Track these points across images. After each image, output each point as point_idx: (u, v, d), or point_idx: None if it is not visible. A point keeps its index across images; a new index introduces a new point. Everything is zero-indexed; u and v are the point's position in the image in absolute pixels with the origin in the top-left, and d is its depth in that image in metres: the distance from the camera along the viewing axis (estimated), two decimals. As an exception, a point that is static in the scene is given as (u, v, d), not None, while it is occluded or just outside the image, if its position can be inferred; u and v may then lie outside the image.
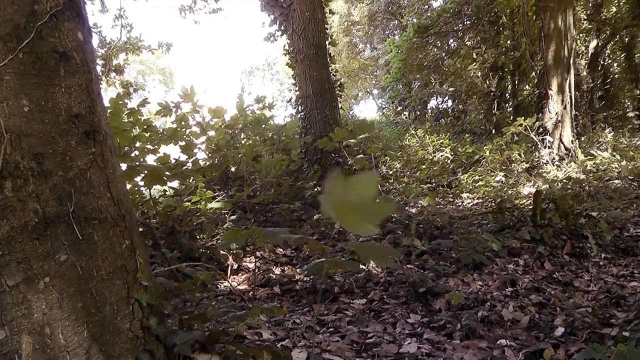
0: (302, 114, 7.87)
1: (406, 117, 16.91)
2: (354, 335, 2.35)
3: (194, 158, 4.62)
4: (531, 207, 4.48)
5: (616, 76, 15.04)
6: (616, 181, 7.20)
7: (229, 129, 5.75)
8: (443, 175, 9.01)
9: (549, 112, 8.81)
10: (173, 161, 4.01)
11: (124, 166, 3.13)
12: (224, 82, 64.65)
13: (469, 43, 15.47)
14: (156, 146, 3.86)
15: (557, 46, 8.82)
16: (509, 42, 14.28)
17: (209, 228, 4.41)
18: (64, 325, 1.28)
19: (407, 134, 12.66)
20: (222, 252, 3.57)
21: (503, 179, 8.14)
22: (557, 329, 2.36)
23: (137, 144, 3.62)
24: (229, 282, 3.19)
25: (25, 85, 1.26)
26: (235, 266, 3.60)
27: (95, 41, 11.00)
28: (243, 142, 6.32)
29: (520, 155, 8.94)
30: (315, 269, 1.48)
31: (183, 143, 4.43)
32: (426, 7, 16.50)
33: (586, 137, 10.56)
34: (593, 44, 14.59)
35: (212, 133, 5.42)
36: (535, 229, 4.07)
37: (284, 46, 8.41)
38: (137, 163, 3.30)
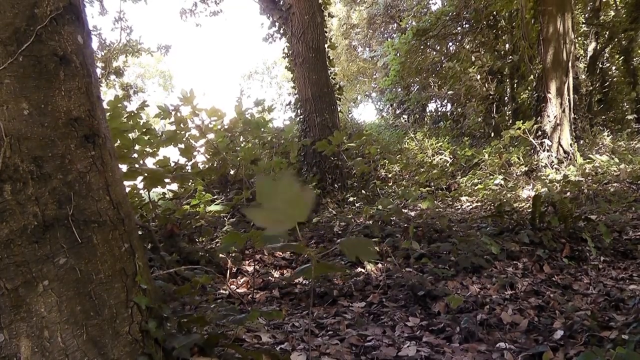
0: (301, 117, 7.87)
1: (405, 121, 16.92)
2: (352, 338, 2.35)
3: (193, 161, 4.62)
4: (530, 210, 4.48)
5: (614, 79, 15.08)
6: (615, 184, 7.21)
7: (228, 132, 5.75)
8: (442, 178, 9.02)
9: (548, 115, 8.83)
10: (172, 164, 4.02)
11: (123, 168, 3.13)
12: (223, 86, 64.68)
13: (467, 46, 15.50)
14: (155, 149, 3.86)
15: (556, 50, 8.85)
16: (507, 45, 14.31)
17: (208, 231, 4.41)
18: (63, 329, 1.28)
19: (406, 137, 12.68)
20: (221, 255, 3.57)
21: (502, 182, 8.15)
22: (556, 332, 2.36)
23: (137, 147, 3.62)
24: (228, 285, 3.19)
25: (25, 88, 1.26)
26: (235, 269, 3.59)
27: (94, 44, 11.00)
28: (242, 145, 6.32)
29: (519, 158, 8.96)
30: (304, 273, 1.48)
31: (182, 146, 4.44)
32: (425, 10, 16.55)
33: (585, 140, 10.58)
34: (591, 47, 14.63)
35: (211, 136, 5.42)
36: (534, 232, 4.07)
37: (283, 49, 8.42)
38: (137, 165, 3.30)
